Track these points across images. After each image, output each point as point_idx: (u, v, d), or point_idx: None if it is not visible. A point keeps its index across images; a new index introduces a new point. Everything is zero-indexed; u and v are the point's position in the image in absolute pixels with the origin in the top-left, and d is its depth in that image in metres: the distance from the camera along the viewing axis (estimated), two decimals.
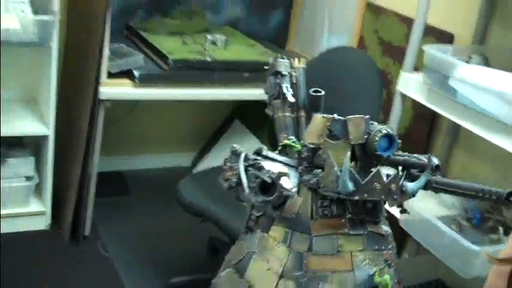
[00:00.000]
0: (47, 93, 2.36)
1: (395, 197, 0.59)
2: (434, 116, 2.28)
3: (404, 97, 2.11)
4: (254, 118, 2.97)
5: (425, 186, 0.65)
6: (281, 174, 0.57)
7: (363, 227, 0.58)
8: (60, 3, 2.26)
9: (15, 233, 2.44)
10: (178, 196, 2.00)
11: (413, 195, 0.62)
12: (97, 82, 2.25)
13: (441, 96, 1.92)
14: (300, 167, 0.60)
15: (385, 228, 0.64)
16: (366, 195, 0.57)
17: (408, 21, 2.18)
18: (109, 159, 2.88)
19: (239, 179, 0.57)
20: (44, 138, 2.41)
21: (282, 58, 0.70)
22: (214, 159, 2.94)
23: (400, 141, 0.63)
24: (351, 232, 0.56)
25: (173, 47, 2.51)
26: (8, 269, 2.23)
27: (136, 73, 2.32)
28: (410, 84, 2.07)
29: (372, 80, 2.12)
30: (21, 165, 2.44)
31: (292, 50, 3.05)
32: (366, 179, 0.57)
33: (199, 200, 1.97)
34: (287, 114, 0.67)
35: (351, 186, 0.55)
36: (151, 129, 3.07)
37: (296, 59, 0.71)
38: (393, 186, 0.59)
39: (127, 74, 2.34)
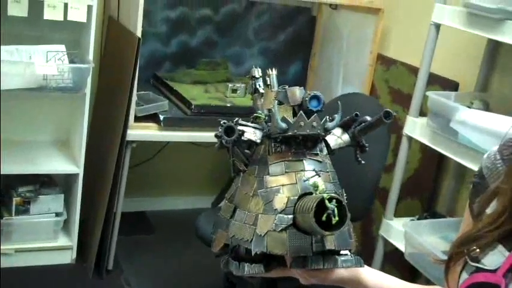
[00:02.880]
0: (79, 135, 2.54)
1: (318, 131, 0.86)
2: (441, 159, 2.39)
3: (410, 139, 2.24)
4: None
5: (353, 137, 0.95)
6: (239, 123, 0.88)
7: (304, 156, 0.86)
8: (94, 54, 2.48)
9: (43, 266, 2.59)
10: (196, 228, 2.13)
11: (332, 129, 0.90)
12: (125, 125, 2.43)
13: (443, 138, 2.05)
14: (263, 128, 0.90)
15: (324, 159, 0.89)
16: (295, 131, 0.84)
17: (416, 71, 2.33)
18: (133, 200, 3.03)
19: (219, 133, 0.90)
20: (73, 176, 2.58)
21: (256, 67, 1.02)
22: None
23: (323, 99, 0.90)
24: (294, 159, 0.85)
25: (196, 94, 2.69)
26: None
27: (161, 117, 2.50)
28: (416, 128, 2.20)
29: None
30: (51, 202, 2.61)
31: None
32: (294, 120, 0.85)
33: None
34: (261, 102, 0.96)
35: (283, 125, 0.84)
36: (173, 172, 3.23)
37: (269, 69, 1.00)
38: (315, 123, 0.86)
39: (153, 117, 2.53)
